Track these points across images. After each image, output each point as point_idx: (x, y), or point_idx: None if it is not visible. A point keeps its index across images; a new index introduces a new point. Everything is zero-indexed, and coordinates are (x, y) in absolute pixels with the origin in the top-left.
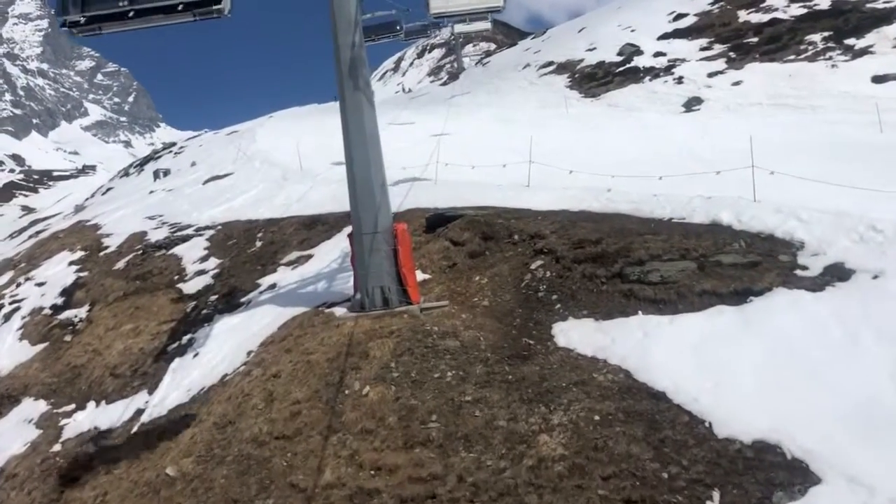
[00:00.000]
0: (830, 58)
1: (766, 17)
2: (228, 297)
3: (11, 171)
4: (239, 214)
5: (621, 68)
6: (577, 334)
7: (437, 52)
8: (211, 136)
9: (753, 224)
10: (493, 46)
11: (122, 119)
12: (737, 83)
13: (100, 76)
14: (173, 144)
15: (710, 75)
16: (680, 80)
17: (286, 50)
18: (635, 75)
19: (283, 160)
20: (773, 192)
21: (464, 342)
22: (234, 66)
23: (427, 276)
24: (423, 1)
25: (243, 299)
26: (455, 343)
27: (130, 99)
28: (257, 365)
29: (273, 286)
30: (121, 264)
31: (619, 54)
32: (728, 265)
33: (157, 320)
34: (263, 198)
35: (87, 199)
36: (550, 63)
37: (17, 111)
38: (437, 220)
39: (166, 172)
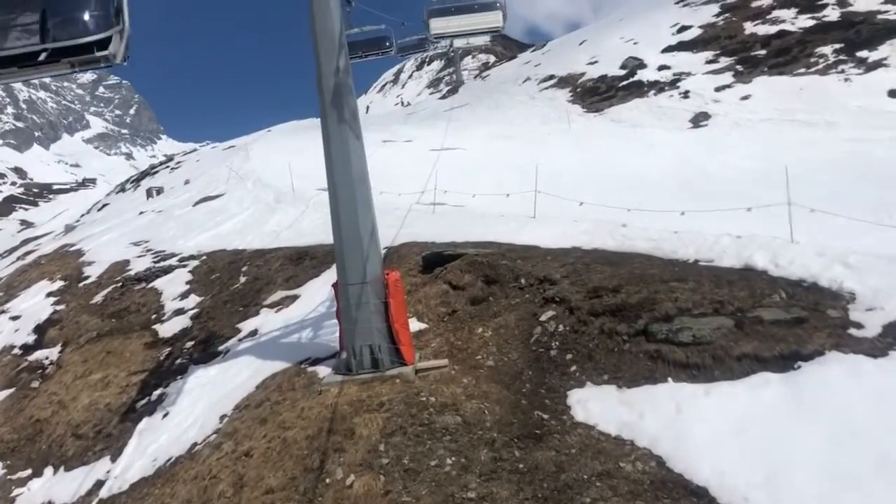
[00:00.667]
0: (843, 71)
1: (773, 29)
2: (206, 343)
3: (13, 183)
4: (226, 242)
5: (624, 82)
6: (597, 406)
7: (437, 64)
8: (208, 151)
9: (793, 270)
10: (492, 59)
11: (124, 131)
12: (745, 98)
13: (101, 88)
14: (171, 159)
15: (718, 89)
16: (686, 94)
17: (288, 61)
18: (639, 89)
19: (275, 181)
20: (807, 225)
21: (466, 417)
22: (237, 79)
23: (423, 326)
24: (422, 21)
25: (221, 347)
26: (455, 419)
27: (132, 111)
28: (229, 436)
29: (254, 332)
30: (99, 298)
31: (622, 68)
32: (770, 322)
33: (128, 370)
34: (253, 223)
35: (82, 215)
36: (551, 77)
37: (20, 124)
38: (434, 259)
39: (159, 191)
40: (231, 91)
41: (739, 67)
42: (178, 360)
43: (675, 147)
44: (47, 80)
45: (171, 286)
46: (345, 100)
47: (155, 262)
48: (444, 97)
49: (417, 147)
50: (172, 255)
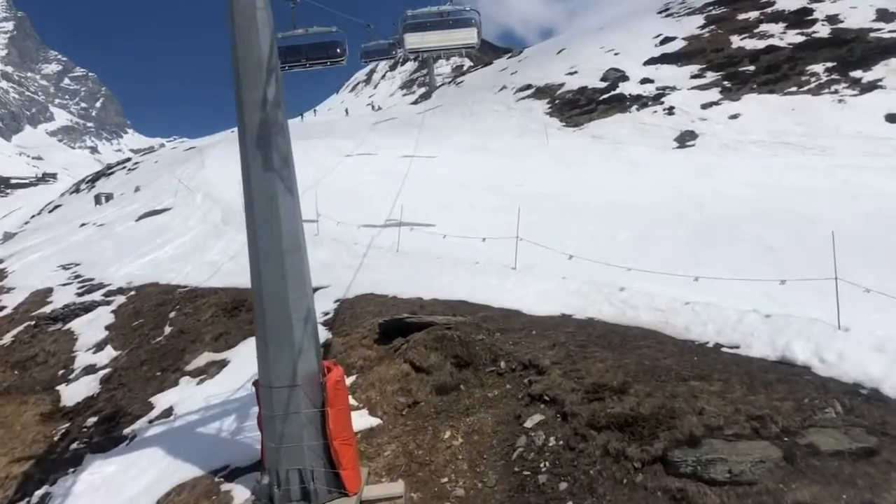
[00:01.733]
0: (836, 91)
1: (761, 44)
2: (110, 422)
3: None
4: (161, 272)
5: (605, 95)
6: None
7: (410, 65)
8: (167, 153)
9: (845, 369)
10: (467, 63)
11: (89, 125)
12: (734, 116)
13: (67, 80)
14: (128, 160)
15: (704, 106)
16: (671, 110)
17: None
18: (621, 104)
19: (226, 195)
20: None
21: None
22: (207, 75)
23: (376, 421)
24: (393, 28)
25: (127, 430)
26: None
27: (98, 104)
28: None
29: (168, 412)
30: (7, 339)
31: (603, 80)
32: (829, 454)
33: (13, 453)
34: (194, 249)
35: (32, 216)
36: (528, 86)
37: None
38: (394, 327)
39: (108, 197)
40: (201, 87)
41: (727, 83)
42: (75, 445)
43: (661, 168)
44: (9, 70)
45: (90, 330)
46: (274, 141)
47: (79, 295)
48: (416, 102)
49: (385, 160)
50: (100, 286)
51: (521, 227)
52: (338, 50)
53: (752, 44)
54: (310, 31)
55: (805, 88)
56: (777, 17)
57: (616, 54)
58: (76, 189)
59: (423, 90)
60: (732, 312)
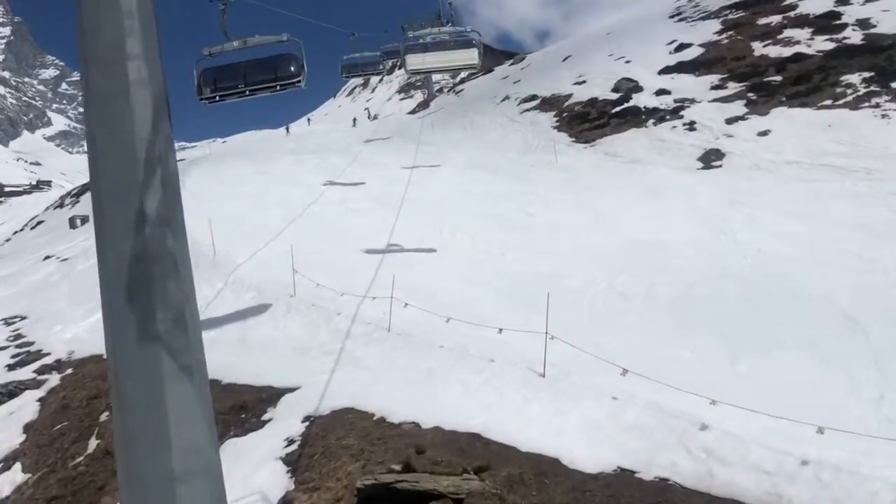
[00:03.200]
0: (878, 105)
1: (787, 52)
2: None
3: None
4: None
5: (618, 108)
6: None
7: None
8: None
9: None
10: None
11: None
12: (763, 133)
13: (64, 85)
14: None
15: (729, 121)
16: (691, 125)
17: None
18: (636, 117)
19: (199, 230)
20: None
21: None
22: None
23: None
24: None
25: None
26: None
27: None
28: None
29: None
30: None
31: (615, 90)
32: None
33: None
34: None
35: (14, 232)
36: (533, 97)
37: None
38: (380, 496)
39: (84, 220)
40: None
41: (752, 95)
42: None
43: (686, 194)
44: (6, 75)
45: (4, 430)
46: (167, 252)
47: (10, 368)
48: (414, 112)
49: (378, 182)
50: (37, 356)
51: (536, 271)
52: (291, 67)
53: (776, 51)
54: (249, 41)
55: (841, 102)
56: (802, 21)
57: (627, 62)
58: (60, 203)
59: (420, 95)
60: (882, 486)
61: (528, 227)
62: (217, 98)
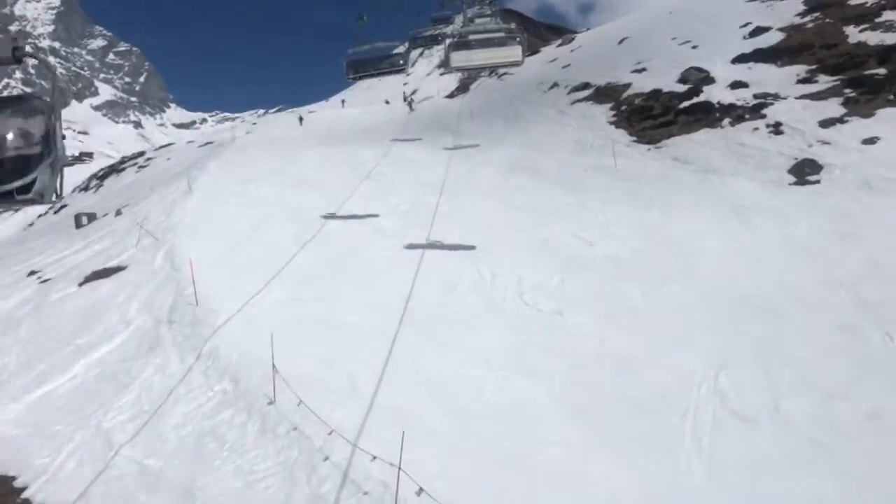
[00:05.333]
0: None
1: (890, 38)
2: None
3: None
4: (35, 442)
5: (687, 103)
6: None
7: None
8: (182, 147)
9: None
10: None
11: (133, 99)
12: (870, 141)
13: (111, 55)
14: (141, 154)
15: (824, 124)
16: (777, 128)
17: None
18: (708, 115)
19: (192, 257)
20: None
21: None
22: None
23: None
24: (444, 53)
25: None
26: None
27: (141, 79)
28: None
29: None
30: None
31: (682, 81)
32: None
33: None
34: (108, 379)
35: (35, 219)
36: (586, 85)
37: (28, 89)
38: None
39: (91, 218)
40: (241, 63)
41: (850, 92)
42: None
43: (779, 218)
44: (57, 45)
45: None
46: None
47: None
48: (451, 95)
49: (406, 196)
50: None
51: (602, 352)
52: (400, 61)
53: (877, 38)
54: (377, 45)
55: None
56: None
57: (694, 47)
58: (86, 186)
59: (458, 86)
60: None
61: (586, 263)
62: (358, 77)
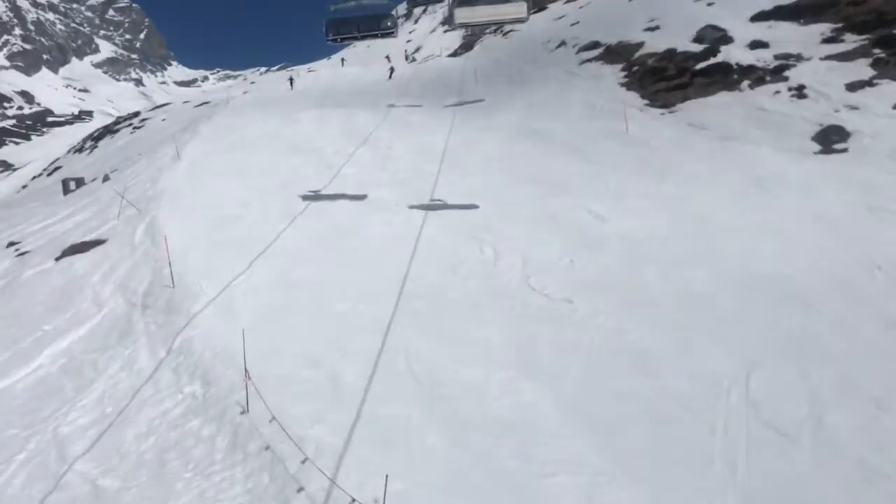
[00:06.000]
0: None
1: None
2: None
3: (20, 108)
4: (3, 428)
5: (703, 64)
6: None
7: None
8: (178, 108)
9: None
10: None
11: (134, 56)
12: None
13: (111, 12)
14: (136, 114)
15: (851, 87)
16: (801, 91)
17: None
18: (726, 77)
19: (174, 232)
20: None
21: None
22: (249, 7)
23: None
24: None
25: None
26: None
27: (142, 36)
28: None
29: None
30: None
31: (698, 41)
32: None
33: None
34: (71, 375)
35: (30, 180)
36: (595, 44)
37: (28, 46)
38: None
39: (79, 183)
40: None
41: (880, 52)
42: None
43: (804, 190)
44: (55, 0)
45: None
46: None
47: None
48: (455, 54)
49: (404, 163)
50: None
51: (618, 348)
52: (388, 23)
53: None
54: (362, 3)
55: None
56: None
57: (710, 4)
58: (80, 147)
59: (462, 44)
60: None
61: (598, 241)
62: (338, 40)
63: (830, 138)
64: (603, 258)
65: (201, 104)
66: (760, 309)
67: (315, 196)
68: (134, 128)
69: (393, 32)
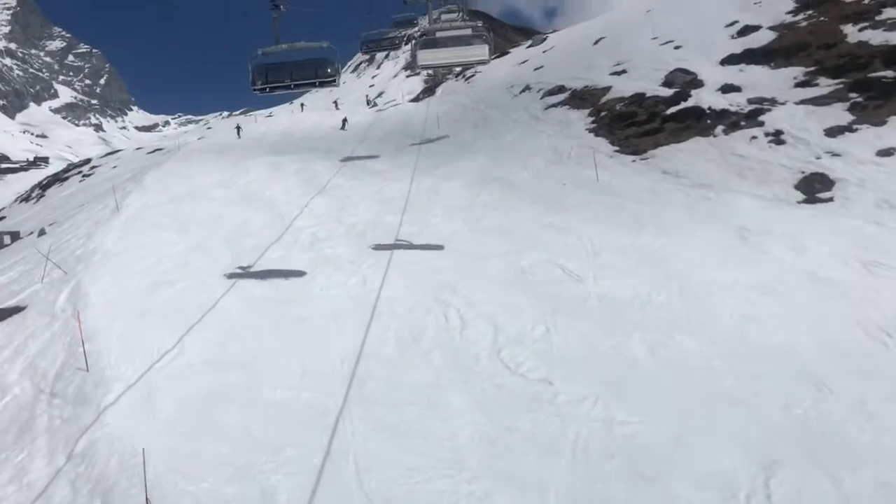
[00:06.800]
0: None
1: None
2: None
3: None
4: None
5: (674, 108)
6: None
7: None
8: (130, 155)
9: None
10: None
11: (94, 102)
12: (887, 152)
13: (71, 57)
14: (88, 161)
15: (831, 133)
16: (778, 136)
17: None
18: (699, 122)
19: (98, 303)
20: None
21: None
22: (211, 52)
23: None
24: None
25: None
26: None
27: (102, 81)
28: None
29: None
30: None
31: (667, 84)
32: None
33: None
34: None
35: None
36: (560, 89)
37: None
38: None
39: (14, 237)
40: (205, 64)
41: (856, 96)
42: None
43: (793, 244)
44: (13, 46)
45: None
46: None
47: None
48: (417, 99)
49: (363, 214)
50: None
51: (610, 448)
52: (328, 69)
53: (880, 37)
54: (295, 45)
55: None
56: None
57: (677, 48)
58: (27, 196)
59: (425, 87)
60: None
61: (576, 305)
62: (267, 89)
63: (814, 186)
64: (582, 325)
65: (154, 151)
66: (767, 388)
67: (257, 258)
68: (84, 175)
69: (334, 80)
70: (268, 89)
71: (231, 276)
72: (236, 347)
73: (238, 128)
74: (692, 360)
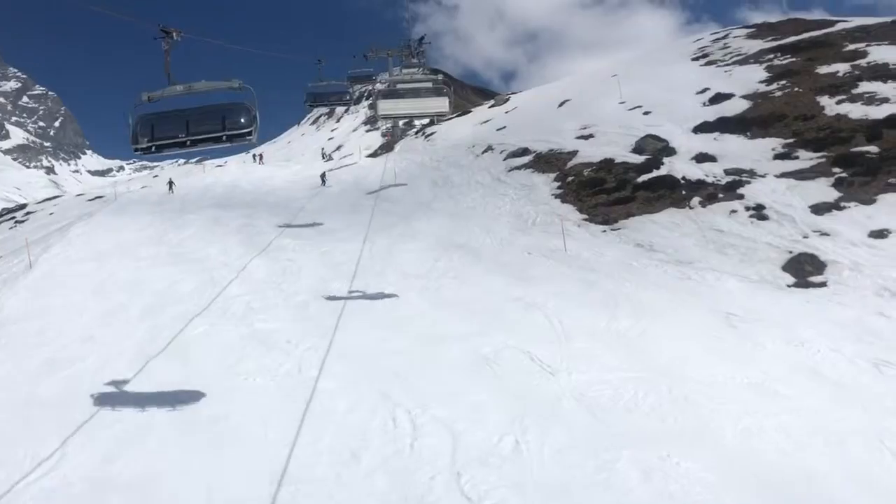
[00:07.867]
0: None
1: (875, 112)
2: None
3: None
4: None
5: (646, 176)
6: None
7: None
8: (69, 201)
9: None
10: None
11: (47, 144)
12: (880, 234)
13: (25, 98)
14: (23, 206)
15: (817, 210)
16: (760, 211)
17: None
18: (673, 192)
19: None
20: None
21: None
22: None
23: None
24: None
25: None
26: None
27: (57, 124)
28: None
29: None
30: None
31: (637, 151)
32: None
33: None
34: None
35: None
36: (524, 151)
37: None
38: None
39: None
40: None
41: (840, 171)
42: None
43: (789, 337)
44: None
45: None
46: None
47: None
48: (375, 154)
49: (306, 289)
50: None
51: None
52: (240, 119)
53: (859, 111)
54: (195, 87)
55: None
56: (879, 72)
57: (647, 113)
58: None
59: (383, 143)
60: None
61: (549, 405)
62: (153, 149)
63: (804, 269)
64: (559, 436)
65: (95, 198)
66: None
67: (174, 335)
68: (16, 222)
69: (250, 134)
70: (154, 148)
71: (139, 354)
72: (129, 458)
73: (171, 182)
74: (696, 488)
